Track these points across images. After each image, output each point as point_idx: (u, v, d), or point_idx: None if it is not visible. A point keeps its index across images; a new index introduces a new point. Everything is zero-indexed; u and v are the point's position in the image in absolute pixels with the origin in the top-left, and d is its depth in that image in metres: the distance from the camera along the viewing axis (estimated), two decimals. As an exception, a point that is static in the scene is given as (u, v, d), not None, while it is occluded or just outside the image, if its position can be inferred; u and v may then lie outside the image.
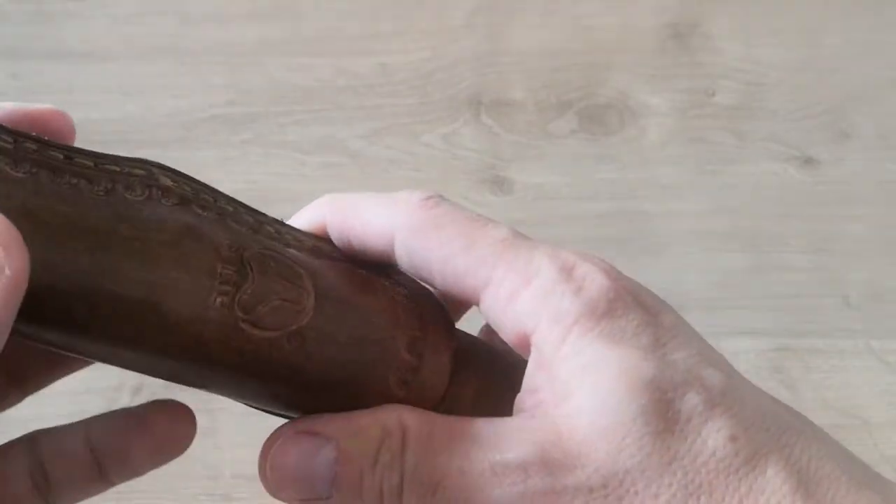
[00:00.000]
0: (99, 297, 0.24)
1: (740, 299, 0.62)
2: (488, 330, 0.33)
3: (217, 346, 0.25)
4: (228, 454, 0.55)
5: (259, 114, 0.67)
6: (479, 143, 0.66)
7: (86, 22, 0.69)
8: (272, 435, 0.27)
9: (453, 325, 0.29)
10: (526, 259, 0.26)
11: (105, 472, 0.29)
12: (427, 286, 0.29)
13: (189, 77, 0.68)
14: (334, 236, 0.28)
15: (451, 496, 0.24)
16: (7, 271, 0.21)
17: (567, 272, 0.26)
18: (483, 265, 0.26)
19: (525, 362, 0.26)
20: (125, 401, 0.58)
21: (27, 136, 0.24)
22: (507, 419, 0.26)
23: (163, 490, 0.55)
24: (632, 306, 0.25)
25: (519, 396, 0.26)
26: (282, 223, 0.28)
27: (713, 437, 0.23)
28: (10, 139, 0.24)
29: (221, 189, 0.27)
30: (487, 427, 0.25)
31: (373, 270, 0.28)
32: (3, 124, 0.24)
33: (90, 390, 0.55)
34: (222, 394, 0.27)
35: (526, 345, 0.26)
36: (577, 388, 0.24)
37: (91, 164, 0.25)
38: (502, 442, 0.25)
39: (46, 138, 0.25)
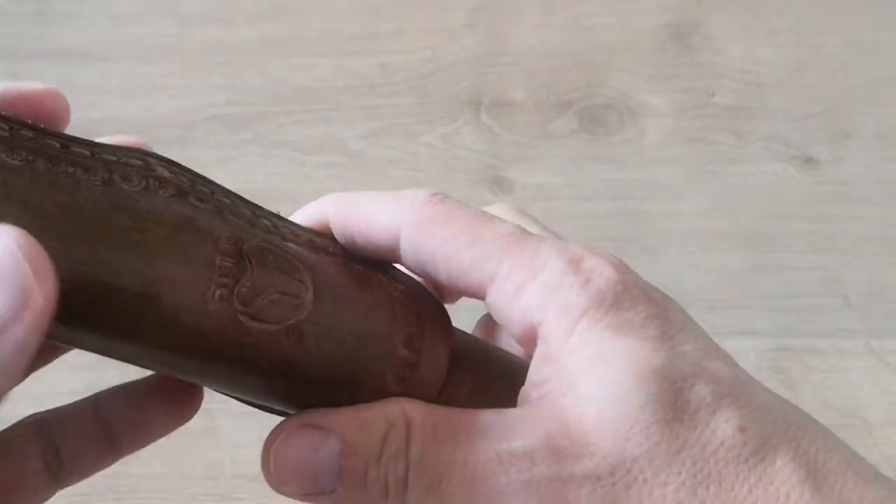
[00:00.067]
0: (96, 288, 0.23)
1: (740, 299, 0.62)
2: (485, 324, 0.33)
3: (216, 339, 0.25)
4: (228, 454, 0.55)
5: (259, 114, 0.67)
6: (479, 143, 0.66)
7: (86, 22, 0.69)
8: (275, 429, 0.27)
9: (451, 323, 0.29)
10: (532, 253, 0.26)
11: (117, 444, 0.29)
12: (425, 284, 0.29)
13: (189, 77, 0.67)
14: (337, 232, 0.28)
15: (456, 486, 0.24)
16: (39, 300, 0.20)
17: (575, 265, 0.26)
18: (489, 260, 0.26)
19: (525, 363, 0.26)
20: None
21: (23, 124, 0.24)
22: (512, 409, 0.26)
23: (163, 490, 0.55)
24: (640, 299, 0.25)
25: (524, 389, 0.26)
26: (279, 217, 0.28)
27: (722, 427, 0.23)
28: (6, 126, 0.23)
29: (222, 189, 0.27)
30: (492, 417, 0.25)
31: (370, 266, 0.28)
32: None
33: (90, 390, 0.55)
34: (220, 388, 0.27)
35: (532, 338, 0.26)
36: (585, 378, 0.24)
37: (88, 153, 0.24)
38: (508, 431, 0.25)
39: (43, 126, 0.24)
